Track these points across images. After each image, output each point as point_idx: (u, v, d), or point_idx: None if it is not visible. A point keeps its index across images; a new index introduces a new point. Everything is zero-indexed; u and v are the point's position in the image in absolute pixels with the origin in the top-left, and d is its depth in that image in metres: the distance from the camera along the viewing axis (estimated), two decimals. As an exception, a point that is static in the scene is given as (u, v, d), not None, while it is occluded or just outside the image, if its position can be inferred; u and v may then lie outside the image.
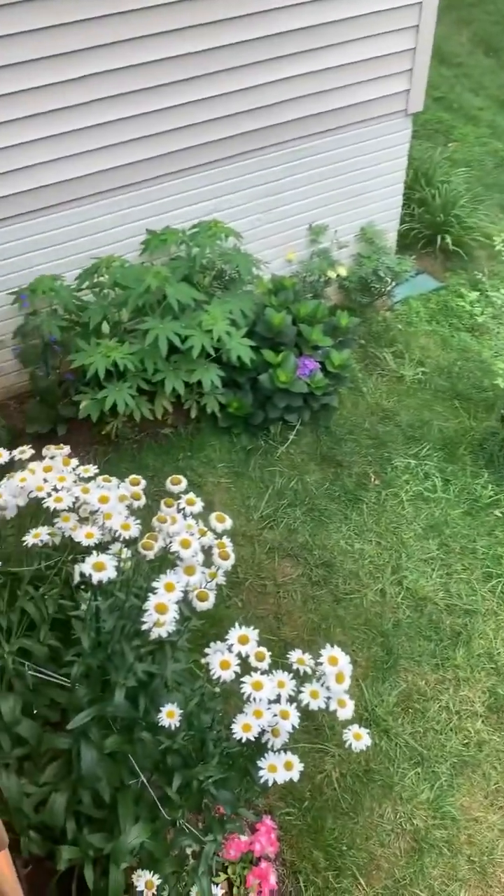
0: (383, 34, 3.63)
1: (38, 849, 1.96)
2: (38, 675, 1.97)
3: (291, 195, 3.90)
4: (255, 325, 3.64)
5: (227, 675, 1.70)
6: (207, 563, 1.94)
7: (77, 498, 2.03)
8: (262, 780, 1.72)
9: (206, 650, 1.82)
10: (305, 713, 1.77)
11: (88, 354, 3.18)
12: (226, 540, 2.01)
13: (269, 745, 1.76)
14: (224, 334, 3.26)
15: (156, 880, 1.85)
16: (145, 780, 1.85)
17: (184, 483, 2.05)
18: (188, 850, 1.93)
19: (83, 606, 2.01)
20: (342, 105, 3.73)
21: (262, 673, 1.75)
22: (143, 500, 2.02)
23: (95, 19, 2.89)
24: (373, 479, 3.57)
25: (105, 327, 3.25)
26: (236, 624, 1.85)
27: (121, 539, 1.91)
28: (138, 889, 1.81)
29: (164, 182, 3.47)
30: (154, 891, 1.81)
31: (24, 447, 2.13)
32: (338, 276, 4.14)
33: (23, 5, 2.73)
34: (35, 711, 1.98)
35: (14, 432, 3.48)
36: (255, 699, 1.71)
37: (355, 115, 3.82)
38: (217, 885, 2.16)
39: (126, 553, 1.95)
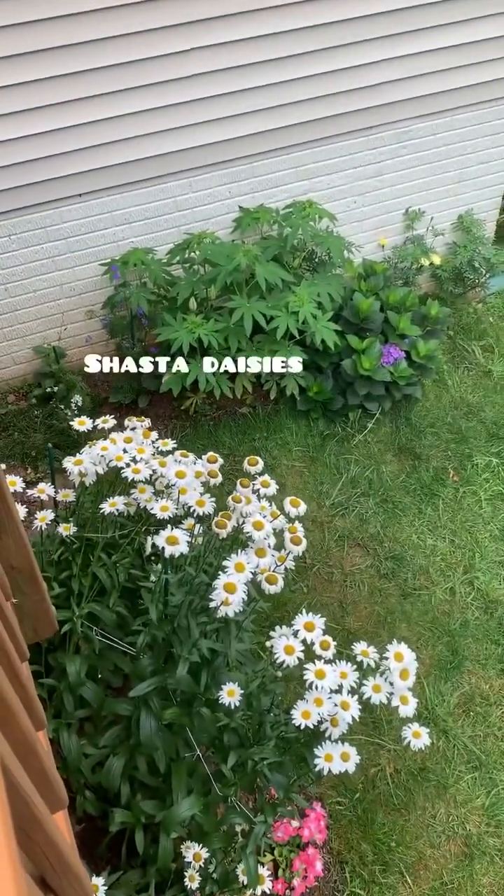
0: (500, 14, 3.48)
1: (92, 809, 2.01)
2: (104, 640, 2.00)
3: (391, 178, 3.83)
4: (342, 310, 3.59)
5: (291, 661, 1.69)
6: (278, 546, 1.94)
7: (154, 471, 2.06)
8: (317, 769, 1.71)
9: (271, 633, 1.81)
10: (364, 706, 1.74)
11: (174, 329, 3.20)
12: (298, 525, 2.00)
13: (326, 734, 1.74)
14: (310, 317, 3.22)
15: (204, 853, 1.87)
16: (200, 755, 1.87)
17: (260, 464, 2.05)
18: (237, 828, 1.94)
19: (153, 578, 2.04)
20: (453, 87, 3.62)
21: (326, 662, 1.73)
22: (219, 479, 2.02)
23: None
24: (451, 475, 3.50)
25: (192, 303, 3.26)
26: (303, 610, 1.84)
27: (194, 515, 1.93)
28: (186, 860, 1.84)
29: (262, 160, 3.45)
30: (201, 863, 1.83)
31: (107, 416, 2.16)
32: (431, 264, 4.05)
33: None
34: (99, 676, 2.02)
35: (97, 401, 3.54)
36: (316, 687, 1.69)
37: (464, 98, 3.70)
38: (263, 865, 2.17)
39: (198, 529, 1.96)
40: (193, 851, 1.86)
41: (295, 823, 2.23)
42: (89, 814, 2.03)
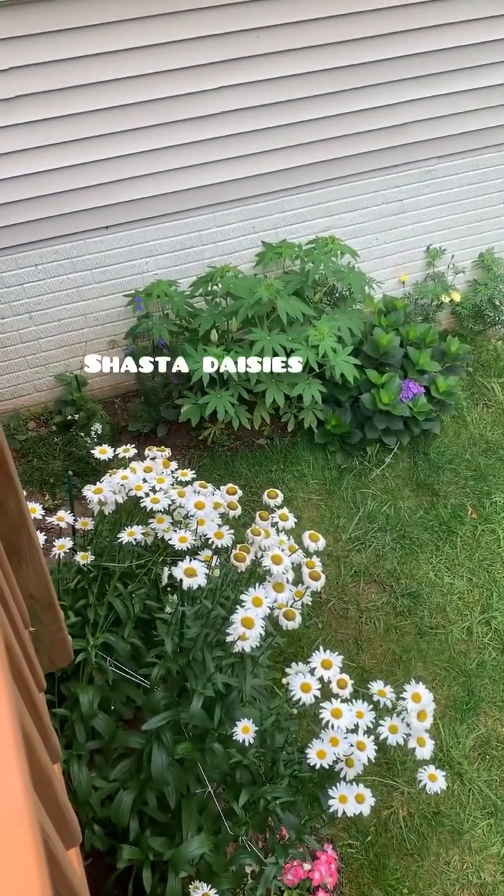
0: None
1: (100, 844, 1.98)
2: (118, 671, 1.99)
3: (413, 216, 3.87)
4: (362, 345, 3.61)
5: (308, 699, 1.67)
6: (295, 580, 1.93)
7: (173, 501, 2.06)
8: (331, 810, 1.67)
9: (287, 669, 1.79)
10: (378, 746, 1.71)
11: (195, 360, 3.22)
12: (316, 560, 1.99)
13: (341, 775, 1.71)
14: (330, 350, 3.24)
15: (213, 893, 1.83)
16: (212, 792, 1.84)
17: (280, 497, 2.05)
18: (247, 869, 1.90)
19: (169, 609, 2.03)
20: (477, 128, 3.67)
21: (343, 701, 1.70)
22: (238, 511, 2.02)
23: (237, 32, 2.93)
24: (470, 513, 3.48)
25: (214, 335, 3.28)
26: (320, 647, 1.82)
27: (212, 546, 1.94)
28: (195, 900, 1.79)
29: (286, 196, 3.50)
30: (210, 905, 1.79)
31: (128, 445, 2.17)
32: (451, 301, 4.07)
33: (186, 15, 2.80)
34: (112, 707, 2.00)
35: (116, 429, 3.56)
36: (333, 726, 1.67)
37: (488, 139, 3.75)
38: (272, 908, 2.12)
39: (216, 561, 1.96)
40: (203, 892, 1.83)
41: (306, 866, 2.18)
42: (97, 849, 2.00)
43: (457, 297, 4.08)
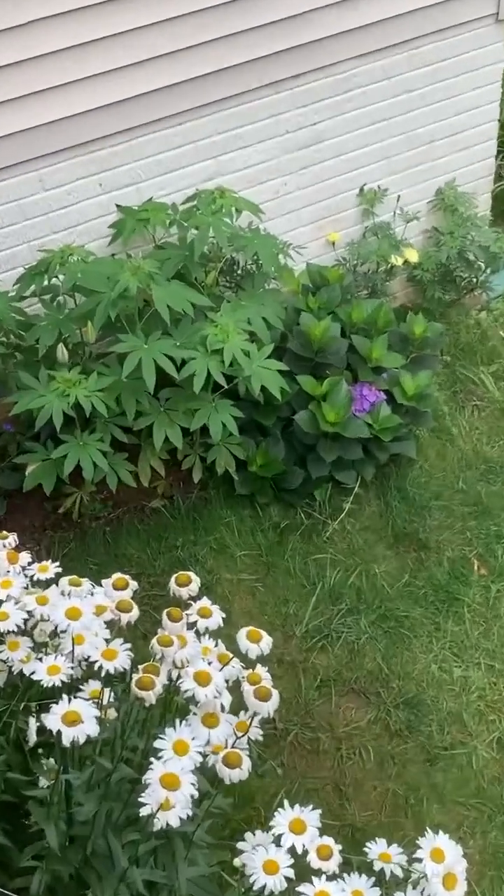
0: None
1: None
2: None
3: (335, 146, 3.96)
4: (286, 340, 3.66)
5: (276, 884, 1.67)
6: (234, 706, 1.94)
7: (30, 613, 2.03)
8: None
9: (240, 844, 1.79)
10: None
11: (37, 394, 3.21)
12: (262, 670, 2.00)
13: None
14: (240, 355, 3.28)
15: None
16: None
17: (195, 583, 2.06)
18: None
19: (45, 782, 1.99)
20: (408, 9, 3.83)
21: (331, 878, 1.71)
22: (134, 612, 2.02)
23: None
24: (476, 568, 3.55)
25: (61, 352, 3.28)
26: (284, 803, 1.82)
27: (102, 674, 1.92)
28: None
29: (144, 135, 3.54)
30: None
31: None
32: (406, 262, 4.18)
33: None
34: None
35: None
36: (320, 921, 1.67)
37: (427, 24, 3.92)
38: None
39: (110, 696, 1.94)
40: None
41: None
42: None
43: (413, 257, 4.20)
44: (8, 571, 2.14)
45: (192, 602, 2.05)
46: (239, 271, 3.74)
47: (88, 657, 1.95)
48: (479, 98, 4.26)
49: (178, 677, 1.91)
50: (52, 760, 1.97)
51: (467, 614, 3.41)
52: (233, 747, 1.83)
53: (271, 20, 3.52)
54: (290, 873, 1.71)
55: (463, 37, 4.07)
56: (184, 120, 3.59)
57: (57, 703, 1.83)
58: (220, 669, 1.96)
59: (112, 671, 1.94)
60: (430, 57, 4.03)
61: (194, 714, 1.87)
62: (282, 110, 3.77)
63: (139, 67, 3.37)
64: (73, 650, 1.93)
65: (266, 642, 1.97)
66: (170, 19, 3.34)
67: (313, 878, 1.72)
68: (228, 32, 3.46)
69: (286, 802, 1.83)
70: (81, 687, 2.02)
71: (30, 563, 2.17)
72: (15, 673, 2.10)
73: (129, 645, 2.00)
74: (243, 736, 1.93)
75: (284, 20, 3.56)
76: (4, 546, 2.20)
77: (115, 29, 3.26)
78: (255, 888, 1.67)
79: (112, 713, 2.04)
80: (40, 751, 2.12)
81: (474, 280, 4.34)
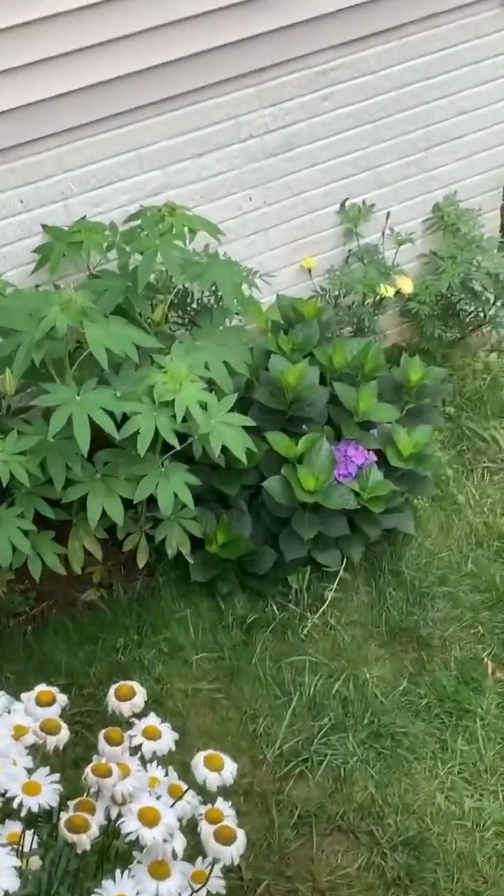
0: None
1: None
2: None
3: (309, 153, 3.98)
4: (252, 389, 3.65)
5: None
6: (190, 850, 1.95)
7: None
8: None
9: None
10: None
11: None
12: (224, 805, 1.96)
13: None
14: (196, 408, 3.25)
15: None
16: None
17: (140, 696, 2.03)
18: None
19: None
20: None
21: None
22: (63, 734, 1.97)
23: None
24: (490, 671, 3.52)
25: (-28, 406, 3.25)
26: None
27: (22, 813, 1.88)
28: None
29: (77, 140, 3.54)
30: None
31: None
32: (398, 293, 4.18)
33: None
34: None
35: None
36: None
37: (419, 7, 3.95)
38: None
39: (34, 840, 1.89)
40: None
41: None
42: None
43: (407, 286, 4.19)
44: None
45: (136, 720, 2.03)
46: (194, 305, 3.73)
47: (5, 791, 1.92)
48: (483, 96, 4.30)
49: (119, 816, 1.90)
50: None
51: (480, 730, 3.37)
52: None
53: (228, 3, 3.54)
54: None
55: (462, 23, 4.11)
56: (124, 122, 3.59)
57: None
58: (172, 805, 1.94)
59: (36, 809, 1.91)
60: (423, 47, 4.06)
61: (139, 862, 1.85)
62: (244, 111, 3.78)
63: (61, 62, 3.36)
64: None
65: (229, 770, 1.94)
66: (95, 4, 3.33)
67: None
68: (174, 18, 3.47)
69: None
70: (-2, 829, 1.97)
71: None
72: None
73: (56, 776, 1.98)
74: (201, 889, 1.88)
75: (244, 3, 3.57)
76: None
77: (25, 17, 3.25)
78: None
79: (36, 862, 2.01)
80: None
81: (481, 314, 4.35)
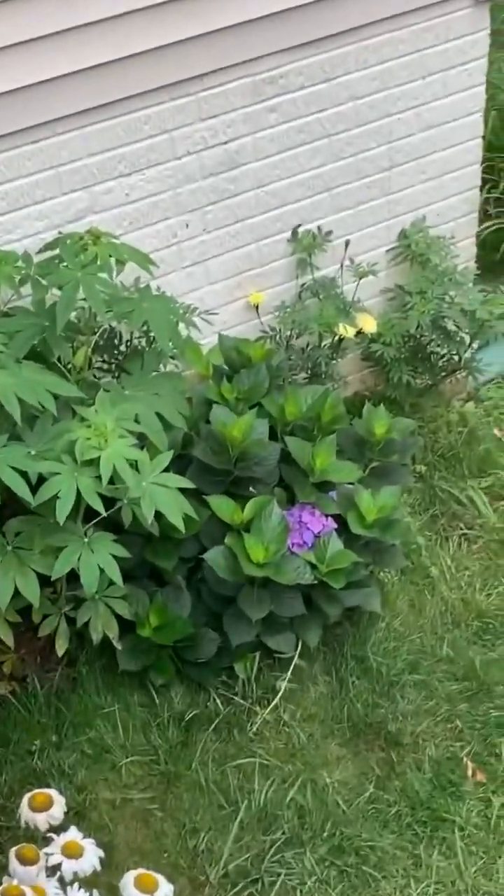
0: None
1: None
2: None
3: (255, 172, 4.03)
4: (190, 445, 3.67)
5: None
6: None
7: None
8: None
9: None
10: None
11: None
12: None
13: None
14: (125, 467, 3.24)
15: None
16: None
17: (59, 805, 2.01)
18: None
19: None
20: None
21: None
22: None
23: None
24: (470, 772, 3.53)
25: None
26: None
27: None
28: None
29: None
30: None
31: None
32: (359, 333, 4.22)
33: None
34: None
35: None
36: None
37: (381, 6, 4.02)
38: None
39: None
40: None
41: None
42: None
43: (370, 326, 4.24)
44: None
45: (53, 835, 2.01)
46: (122, 348, 3.75)
47: None
48: (455, 108, 4.39)
49: None
50: None
51: (459, 842, 3.37)
52: None
53: (148, 4, 3.57)
54: None
55: (429, 25, 4.20)
56: (39, 136, 3.61)
57: None
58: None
59: None
60: (385, 52, 4.13)
61: None
62: (179, 123, 3.82)
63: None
64: None
65: (165, 893, 1.93)
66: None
67: None
68: (92, 19, 3.50)
69: None
70: None
71: None
72: None
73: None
74: None
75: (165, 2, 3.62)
76: None
77: None
78: None
79: None
80: None
81: (455, 358, 4.41)
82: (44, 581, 3.30)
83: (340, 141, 4.17)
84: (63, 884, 2.00)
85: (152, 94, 3.74)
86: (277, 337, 4.18)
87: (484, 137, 4.56)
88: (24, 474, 3.17)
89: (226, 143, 3.94)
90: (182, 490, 3.37)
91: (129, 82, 3.68)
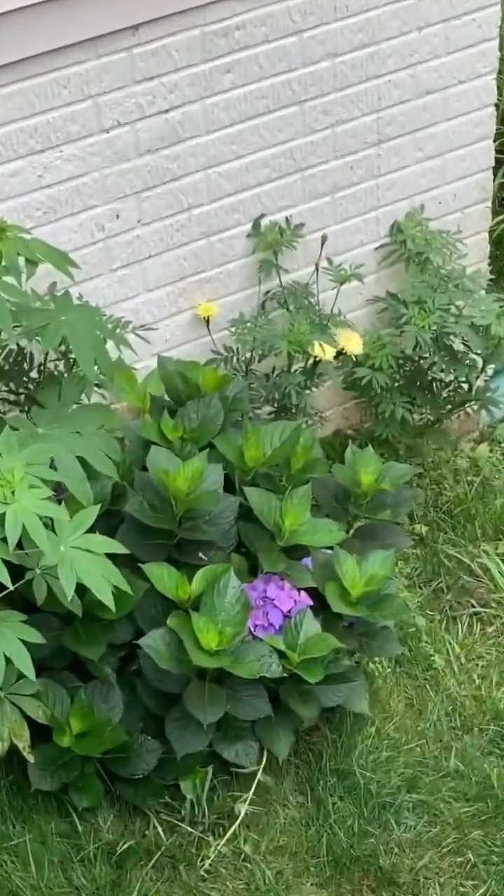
0: None
1: None
2: None
3: (204, 148, 4.02)
4: (123, 499, 3.64)
5: None
6: None
7: None
8: None
9: None
10: None
11: None
12: None
13: None
14: (36, 527, 3.18)
15: None
16: None
17: None
18: None
19: None
20: None
21: None
22: None
23: None
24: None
25: None
26: None
27: None
28: None
29: None
30: None
31: None
32: (341, 354, 4.21)
33: None
34: None
35: None
36: None
37: None
38: None
39: None
40: None
41: None
42: None
43: (353, 345, 4.22)
44: None
45: None
46: (33, 374, 3.72)
47: None
48: (460, 67, 4.39)
49: None
50: None
51: None
52: None
53: None
54: None
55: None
56: None
57: None
58: None
59: None
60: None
61: None
62: (107, 87, 3.81)
63: None
64: None
65: None
66: None
67: None
68: None
69: None
70: None
71: None
72: None
73: None
74: None
75: None
76: None
77: None
78: None
79: None
80: None
81: (464, 386, 4.39)
82: None
83: (315, 109, 4.16)
84: None
85: (72, 50, 3.72)
86: (235, 359, 4.17)
87: (497, 106, 4.58)
88: None
89: (167, 111, 3.92)
90: (112, 556, 3.34)
91: (42, 34, 3.65)
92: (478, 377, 4.35)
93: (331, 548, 3.71)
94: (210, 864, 3.54)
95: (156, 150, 3.93)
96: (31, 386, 3.72)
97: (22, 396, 3.72)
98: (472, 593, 4.17)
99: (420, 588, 4.15)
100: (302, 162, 4.18)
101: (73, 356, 3.59)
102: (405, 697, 3.90)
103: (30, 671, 3.24)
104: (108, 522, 3.48)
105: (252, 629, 3.55)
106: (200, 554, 3.61)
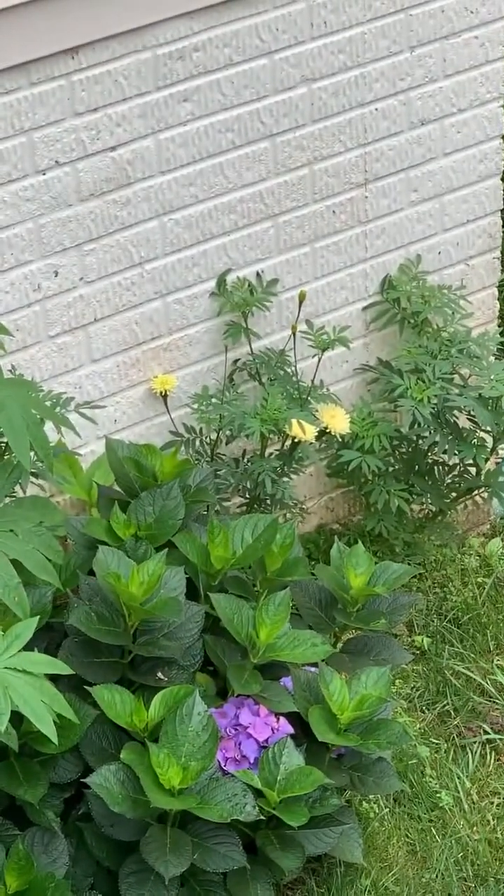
0: None
1: None
2: None
3: (162, 191, 4.05)
4: (66, 610, 3.66)
5: None
6: None
7: None
8: None
9: None
10: None
11: None
12: None
13: None
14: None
15: None
16: None
17: None
18: None
19: None
20: None
21: None
22: None
23: None
24: None
25: None
26: None
27: None
28: None
29: None
30: None
31: None
32: (324, 434, 4.25)
33: None
34: None
35: None
36: None
37: None
38: None
39: None
40: None
41: None
42: None
43: (338, 423, 4.25)
44: None
45: None
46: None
47: None
48: (462, 93, 4.46)
49: None
50: None
51: None
52: None
53: None
54: None
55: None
56: None
57: None
58: None
59: None
60: (350, 12, 4.18)
61: None
62: (42, 120, 3.86)
63: None
64: None
65: None
66: None
67: None
68: None
69: None
70: None
71: None
72: None
73: None
74: None
75: None
76: None
77: None
78: None
79: None
80: None
81: (471, 470, 4.43)
82: None
83: (289, 144, 4.22)
84: None
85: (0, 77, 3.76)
86: (198, 442, 4.20)
87: (505, 137, 4.64)
88: None
89: (114, 148, 3.97)
90: (53, 678, 3.34)
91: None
92: (487, 459, 4.39)
93: (315, 665, 3.72)
94: None
95: (101, 194, 3.96)
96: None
97: None
98: (484, 717, 4.17)
99: (422, 711, 4.15)
100: (275, 207, 4.22)
101: (4, 440, 3.63)
102: (406, 843, 3.89)
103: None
104: (48, 637, 3.50)
105: (222, 763, 3.56)
106: (159, 674, 3.62)
